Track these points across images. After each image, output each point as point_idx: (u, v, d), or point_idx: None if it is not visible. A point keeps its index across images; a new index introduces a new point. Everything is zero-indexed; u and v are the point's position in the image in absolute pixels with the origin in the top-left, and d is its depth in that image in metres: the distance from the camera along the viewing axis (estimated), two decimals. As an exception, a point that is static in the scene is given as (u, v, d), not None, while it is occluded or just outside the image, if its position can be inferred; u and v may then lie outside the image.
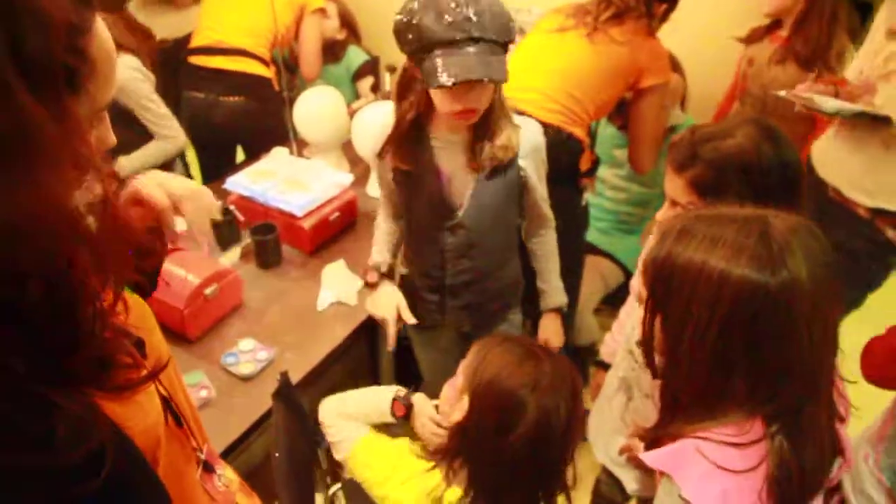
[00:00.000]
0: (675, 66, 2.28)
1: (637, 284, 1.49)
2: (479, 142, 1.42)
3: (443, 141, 1.44)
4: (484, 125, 1.40)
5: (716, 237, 0.82)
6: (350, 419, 1.32)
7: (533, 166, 1.51)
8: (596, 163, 2.10)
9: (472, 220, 1.50)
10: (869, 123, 1.75)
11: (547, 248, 1.67)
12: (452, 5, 1.23)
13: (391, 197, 1.62)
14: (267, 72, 2.47)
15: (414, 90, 1.38)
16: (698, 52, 2.42)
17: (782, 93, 1.85)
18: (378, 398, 1.33)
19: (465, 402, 1.11)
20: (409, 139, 1.43)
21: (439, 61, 1.24)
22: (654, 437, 0.93)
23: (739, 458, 0.83)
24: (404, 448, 1.24)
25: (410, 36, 1.26)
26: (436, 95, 1.32)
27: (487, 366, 1.11)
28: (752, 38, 2.32)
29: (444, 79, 1.23)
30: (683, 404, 0.89)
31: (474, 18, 1.24)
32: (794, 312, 0.79)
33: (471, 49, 1.24)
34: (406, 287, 1.69)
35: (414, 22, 1.25)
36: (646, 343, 0.93)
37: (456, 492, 1.12)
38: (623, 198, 2.42)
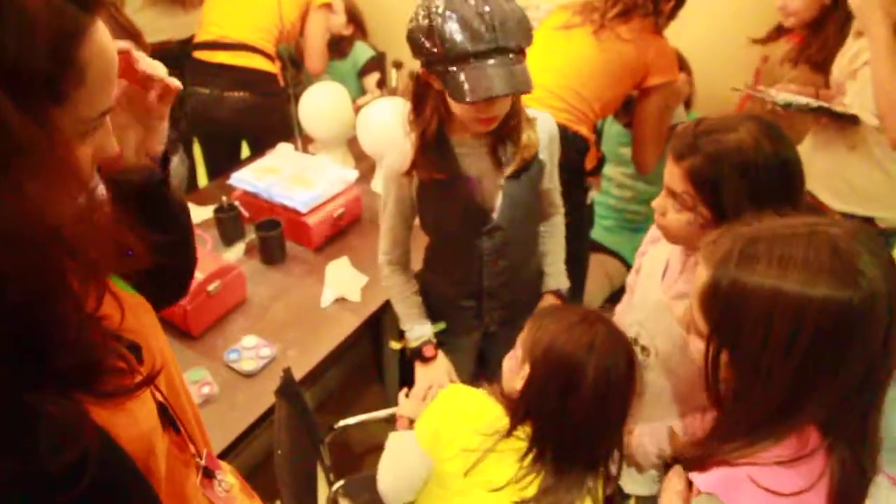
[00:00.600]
0: (682, 65, 2.26)
1: (631, 280, 1.49)
2: (501, 144, 1.41)
3: (466, 146, 1.41)
4: (505, 127, 1.38)
5: (784, 258, 0.76)
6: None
7: (550, 157, 1.50)
8: (601, 161, 2.08)
9: (507, 221, 1.47)
10: (837, 123, 1.75)
11: (555, 232, 1.66)
12: (475, 14, 1.19)
13: (406, 218, 1.53)
14: (272, 67, 2.46)
15: (431, 97, 1.34)
16: (706, 51, 2.40)
17: (740, 87, 1.85)
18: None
19: (526, 370, 1.16)
20: (434, 148, 1.39)
21: (463, 75, 1.21)
22: (701, 456, 0.89)
23: (795, 478, 0.80)
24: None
25: (431, 46, 1.22)
26: (457, 105, 1.29)
27: (544, 333, 1.16)
28: (767, 40, 2.30)
29: (471, 95, 1.21)
30: (741, 428, 0.84)
31: (499, 28, 1.20)
32: (876, 320, 0.76)
33: (494, 61, 1.21)
34: (436, 298, 1.65)
35: (434, 30, 1.21)
36: (711, 379, 0.86)
37: (519, 436, 1.17)
38: (629, 196, 2.40)
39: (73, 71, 0.54)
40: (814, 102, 1.76)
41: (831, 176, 1.81)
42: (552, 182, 1.57)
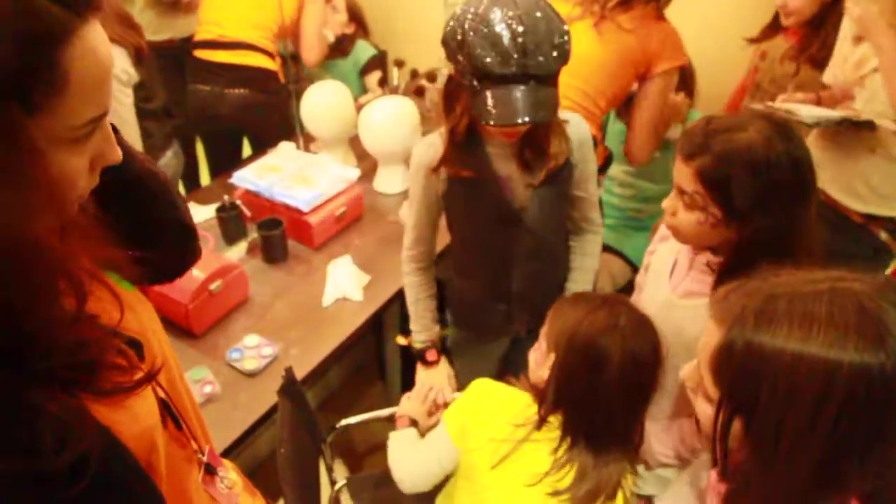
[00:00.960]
0: (687, 82, 2.23)
1: (640, 278, 1.48)
2: (529, 149, 1.39)
3: (496, 147, 1.40)
4: (535, 133, 1.36)
5: (807, 317, 0.68)
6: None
7: (582, 161, 1.47)
8: (609, 158, 2.06)
9: (537, 223, 1.46)
10: (852, 130, 1.76)
11: (588, 251, 1.61)
12: (508, 34, 1.15)
13: (432, 215, 1.52)
14: (272, 64, 2.46)
15: (462, 96, 1.32)
16: (706, 47, 2.39)
17: (758, 106, 1.84)
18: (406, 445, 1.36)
19: (551, 359, 1.17)
20: (464, 145, 1.38)
21: (489, 95, 1.19)
22: None
23: None
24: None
25: (460, 58, 1.21)
26: None
27: (566, 321, 1.16)
28: (762, 38, 2.30)
29: (493, 119, 1.20)
30: None
31: (531, 54, 1.17)
32: None
33: (521, 86, 1.19)
34: (464, 303, 1.64)
35: (465, 44, 1.18)
36: (721, 448, 0.78)
37: (553, 425, 1.17)
38: (631, 194, 2.39)
39: (52, 76, 0.50)
40: (837, 115, 1.75)
41: (852, 179, 1.82)
42: (585, 191, 1.52)
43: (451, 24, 1.23)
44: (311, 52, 2.57)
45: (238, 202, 2.00)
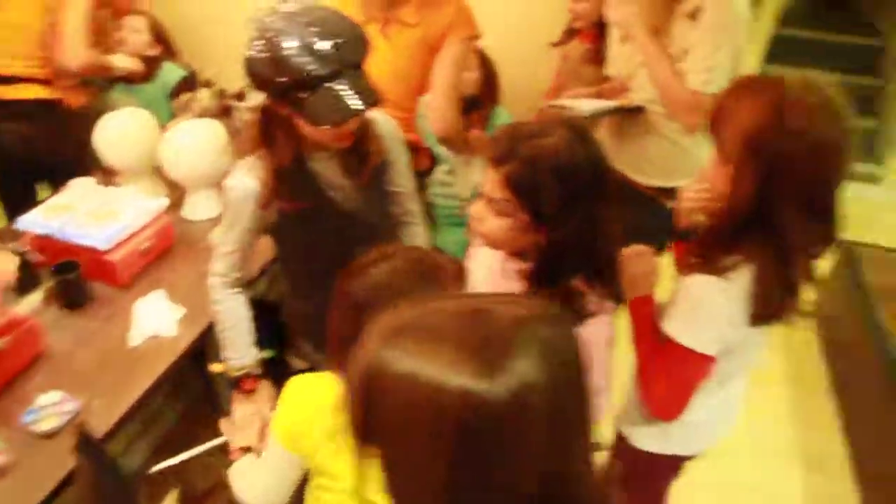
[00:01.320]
0: (488, 82, 2.32)
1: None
2: (354, 154, 1.41)
3: (321, 161, 1.41)
4: (357, 136, 1.39)
5: (432, 337, 0.62)
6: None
7: (395, 157, 1.52)
8: (433, 160, 2.10)
9: (371, 224, 1.49)
10: (627, 116, 1.98)
11: (415, 244, 1.66)
12: (314, 36, 1.18)
13: (252, 242, 1.49)
14: (50, 93, 2.25)
15: (281, 126, 1.31)
16: (509, 51, 2.50)
17: (543, 106, 2.00)
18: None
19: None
20: (290, 172, 1.37)
21: (319, 100, 1.20)
22: None
23: None
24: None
25: (276, 76, 1.19)
26: (314, 128, 1.28)
27: (355, 265, 1.12)
28: (562, 42, 2.46)
29: (332, 118, 1.21)
30: None
31: (343, 45, 1.20)
32: (529, 421, 0.60)
33: (344, 79, 1.21)
34: (312, 325, 1.57)
35: (277, 60, 1.18)
36: None
37: None
38: (450, 192, 2.46)
39: None
40: (612, 105, 1.95)
41: (636, 158, 2.03)
42: (403, 185, 1.58)
43: (253, 53, 1.22)
44: (69, 50, 2.13)
45: (27, 249, 1.84)
